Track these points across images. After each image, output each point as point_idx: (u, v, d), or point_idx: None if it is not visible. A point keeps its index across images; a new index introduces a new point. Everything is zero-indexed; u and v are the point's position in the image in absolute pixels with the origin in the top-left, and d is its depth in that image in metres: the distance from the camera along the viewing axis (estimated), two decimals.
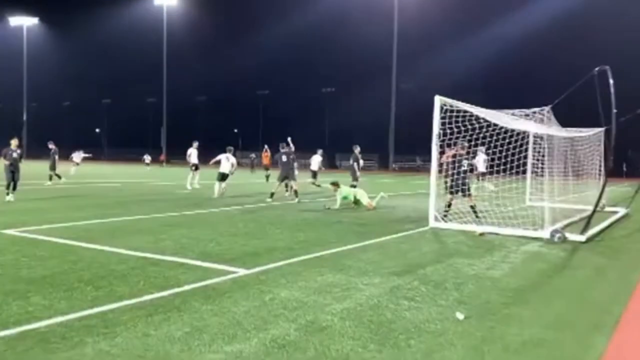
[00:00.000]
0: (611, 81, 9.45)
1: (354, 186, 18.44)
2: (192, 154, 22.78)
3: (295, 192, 17.02)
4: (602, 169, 16.01)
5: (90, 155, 39.98)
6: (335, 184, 15.02)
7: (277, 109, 76.22)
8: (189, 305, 5.04)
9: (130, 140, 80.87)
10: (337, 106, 71.61)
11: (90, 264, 6.74)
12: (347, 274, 6.51)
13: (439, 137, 11.17)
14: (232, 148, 19.55)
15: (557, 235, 9.49)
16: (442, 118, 11.15)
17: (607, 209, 14.98)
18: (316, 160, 22.94)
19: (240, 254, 7.69)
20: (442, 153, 11.58)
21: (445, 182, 11.98)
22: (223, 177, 18.47)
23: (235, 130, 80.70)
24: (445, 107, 11.08)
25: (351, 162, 19.32)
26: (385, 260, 7.48)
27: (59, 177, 23.37)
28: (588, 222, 9.70)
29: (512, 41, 55.40)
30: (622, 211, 14.57)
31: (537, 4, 56.15)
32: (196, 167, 22.55)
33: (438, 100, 11.06)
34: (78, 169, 32.29)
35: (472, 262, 7.55)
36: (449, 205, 11.91)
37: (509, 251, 8.54)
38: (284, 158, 17.21)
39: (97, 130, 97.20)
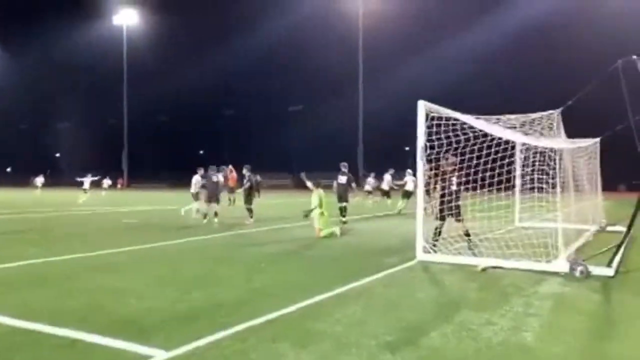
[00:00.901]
0: None
1: (342, 209, 16.56)
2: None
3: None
4: (599, 183, 14.43)
5: (98, 177, 37.63)
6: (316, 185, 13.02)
7: (243, 129, 74.01)
8: None
9: (91, 164, 77.23)
10: (304, 124, 69.84)
11: None
12: (318, 352, 4.42)
13: (425, 151, 9.25)
14: (219, 167, 18.08)
15: (579, 269, 7.61)
16: (428, 127, 9.27)
17: (610, 228, 13.33)
18: (387, 180, 24.74)
19: (167, 317, 5.50)
20: (435, 169, 9.69)
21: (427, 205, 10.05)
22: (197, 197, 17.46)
23: (201, 152, 77.94)
24: (430, 115, 9.20)
25: (344, 181, 17.23)
26: (372, 319, 5.41)
27: None
28: (617, 251, 7.84)
29: (482, 51, 54.80)
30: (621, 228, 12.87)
31: (509, 10, 55.58)
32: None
33: (422, 106, 9.16)
34: (87, 195, 30.33)
35: (488, 316, 5.55)
36: (439, 233, 9.96)
37: (527, 295, 6.59)
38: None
39: (57, 154, 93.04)
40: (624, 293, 6.77)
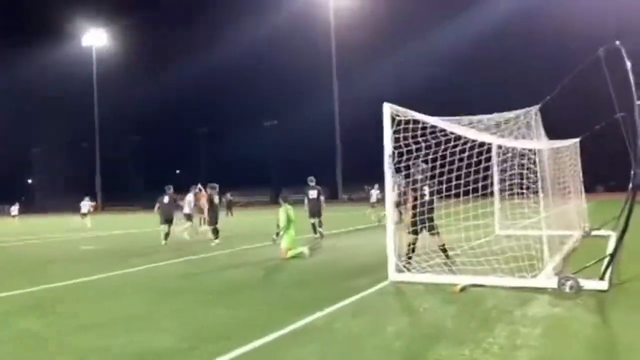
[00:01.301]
0: (629, 63, 6.89)
1: (316, 225, 15.66)
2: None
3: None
4: (581, 185, 13.72)
5: (94, 202, 36.28)
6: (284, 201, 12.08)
7: (218, 146, 72.80)
8: None
9: (64, 188, 75.11)
10: (280, 138, 68.92)
11: None
12: None
13: (393, 158, 8.35)
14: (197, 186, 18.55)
15: (569, 283, 6.74)
16: (396, 132, 8.39)
17: (594, 232, 12.59)
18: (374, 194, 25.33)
19: None
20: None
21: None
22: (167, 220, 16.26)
23: (178, 171, 76.30)
24: (397, 119, 8.32)
25: (315, 195, 16.26)
26: None
27: None
28: (610, 261, 6.98)
29: (458, 51, 54.59)
30: (612, 235, 12.13)
31: (484, 7, 55.49)
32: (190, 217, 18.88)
33: (388, 109, 8.28)
34: (87, 219, 29.25)
35: (469, 353, 4.62)
36: (413, 249, 9.04)
37: (512, 320, 5.67)
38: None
39: (29, 181, 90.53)
40: (622, 311, 5.90)
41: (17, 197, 59.87)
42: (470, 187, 8.81)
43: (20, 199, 61.04)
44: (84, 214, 29.93)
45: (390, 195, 8.43)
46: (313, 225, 16.08)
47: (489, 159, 8.37)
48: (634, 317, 5.61)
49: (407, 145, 8.51)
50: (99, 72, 72.70)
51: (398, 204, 9.60)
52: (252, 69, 68.29)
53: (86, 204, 30.56)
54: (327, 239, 15.50)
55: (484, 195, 9.47)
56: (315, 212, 16.03)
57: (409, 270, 8.30)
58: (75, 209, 38.55)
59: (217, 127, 75.04)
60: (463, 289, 7.23)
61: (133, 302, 7.50)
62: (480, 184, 8.78)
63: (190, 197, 18.64)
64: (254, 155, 69.29)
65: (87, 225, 28.26)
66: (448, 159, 8.59)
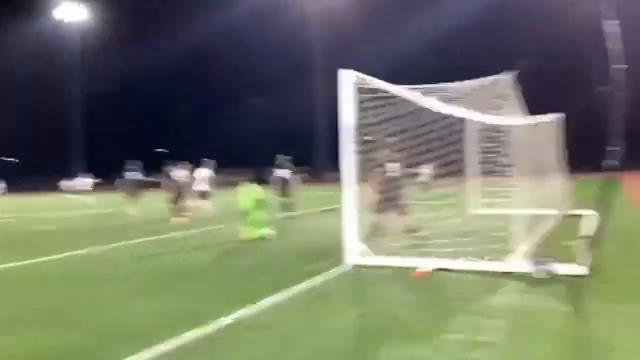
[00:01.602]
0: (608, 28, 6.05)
1: (285, 206, 14.98)
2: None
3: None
4: (562, 161, 13.08)
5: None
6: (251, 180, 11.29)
7: (200, 124, 71.25)
8: None
9: (41, 168, 73.18)
10: (265, 117, 67.49)
11: None
12: None
13: (357, 131, 7.57)
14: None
15: (543, 268, 6.08)
16: (362, 102, 7.60)
17: (575, 212, 11.97)
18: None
19: None
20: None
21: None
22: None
23: (160, 149, 74.58)
24: (360, 87, 7.52)
25: (285, 174, 15.54)
26: None
27: None
28: (590, 244, 6.29)
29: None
30: (590, 215, 11.50)
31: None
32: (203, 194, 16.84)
33: (348, 77, 7.46)
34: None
35: (423, 351, 3.92)
36: (378, 230, 8.33)
37: (477, 311, 4.99)
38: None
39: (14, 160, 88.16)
40: (601, 300, 5.23)
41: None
42: (442, 163, 8.13)
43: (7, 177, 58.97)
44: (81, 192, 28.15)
45: (353, 173, 7.65)
46: (281, 204, 15.41)
47: (461, 131, 7.58)
48: (614, 308, 4.95)
49: (376, 117, 7.77)
50: (72, 46, 70.36)
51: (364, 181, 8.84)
52: (236, 45, 66.41)
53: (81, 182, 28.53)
54: (302, 219, 14.77)
55: (458, 172, 8.80)
56: (285, 191, 15.35)
57: (372, 253, 7.59)
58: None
59: (198, 104, 73.34)
60: (428, 274, 6.54)
61: (59, 291, 6.70)
62: (452, 159, 8.09)
63: (199, 173, 16.68)
64: (237, 133, 67.87)
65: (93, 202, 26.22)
66: (418, 131, 7.85)
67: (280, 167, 15.50)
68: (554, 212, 11.50)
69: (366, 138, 7.72)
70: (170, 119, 74.43)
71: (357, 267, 7.27)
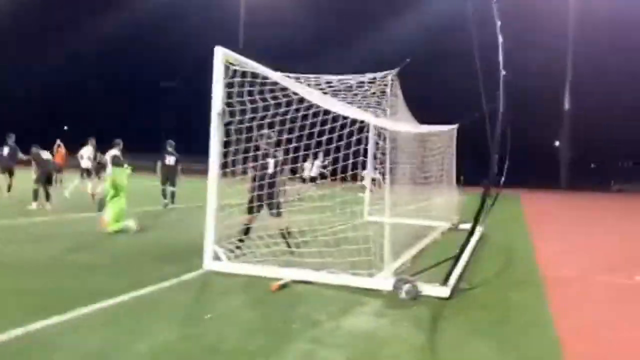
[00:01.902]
0: (499, 22, 5.59)
1: (168, 194, 13.75)
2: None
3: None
4: (454, 174, 12.94)
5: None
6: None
7: (112, 104, 66.62)
8: None
9: None
10: (178, 101, 64.52)
11: None
12: None
13: (223, 116, 6.66)
14: None
15: (405, 287, 5.48)
16: (231, 87, 6.69)
17: (462, 226, 11.81)
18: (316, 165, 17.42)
19: None
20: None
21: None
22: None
23: (66, 127, 68.85)
24: (232, 67, 6.62)
25: (172, 162, 14.31)
26: None
27: None
28: (454, 265, 5.78)
29: None
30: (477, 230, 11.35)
31: None
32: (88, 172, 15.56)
33: (220, 53, 6.53)
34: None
35: None
36: (247, 231, 7.47)
37: (321, 335, 4.26)
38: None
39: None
40: (460, 327, 4.68)
41: None
42: (336, 159, 7.27)
43: None
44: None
45: (217, 165, 6.72)
46: (163, 191, 14.23)
47: (336, 129, 6.82)
48: (471, 340, 4.39)
49: (252, 103, 6.90)
50: None
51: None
52: (157, 27, 62.87)
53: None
54: (175, 212, 13.54)
55: (356, 172, 8.00)
56: (170, 179, 14.17)
57: (231, 258, 6.70)
58: None
59: (112, 84, 68.75)
60: (284, 287, 5.76)
61: None
62: (351, 158, 7.22)
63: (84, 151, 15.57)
64: (147, 115, 64.38)
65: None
66: (299, 123, 7.04)
67: (169, 153, 14.27)
68: (441, 225, 11.26)
69: (236, 127, 6.84)
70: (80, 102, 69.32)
71: (212, 273, 6.36)
